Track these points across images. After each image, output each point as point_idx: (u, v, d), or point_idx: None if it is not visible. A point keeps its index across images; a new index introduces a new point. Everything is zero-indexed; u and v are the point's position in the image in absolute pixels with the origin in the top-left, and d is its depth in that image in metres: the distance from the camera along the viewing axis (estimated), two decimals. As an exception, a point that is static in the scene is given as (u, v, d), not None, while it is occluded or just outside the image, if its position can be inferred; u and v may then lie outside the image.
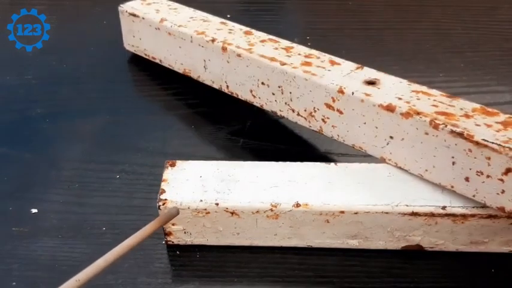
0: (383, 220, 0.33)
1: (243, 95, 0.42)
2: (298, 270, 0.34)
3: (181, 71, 0.47)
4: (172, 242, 0.35)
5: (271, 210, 0.33)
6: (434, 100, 0.34)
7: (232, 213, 0.33)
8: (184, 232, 0.34)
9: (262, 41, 0.41)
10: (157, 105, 0.48)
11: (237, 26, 0.44)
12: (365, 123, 0.35)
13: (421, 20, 0.60)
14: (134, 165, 0.41)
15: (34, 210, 0.38)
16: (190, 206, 0.33)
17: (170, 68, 0.48)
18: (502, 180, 0.30)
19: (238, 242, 0.35)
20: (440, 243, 0.34)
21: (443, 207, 0.32)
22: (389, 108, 0.33)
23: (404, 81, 0.36)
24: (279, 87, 0.39)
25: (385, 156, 0.35)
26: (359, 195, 0.33)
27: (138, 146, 0.43)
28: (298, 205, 0.33)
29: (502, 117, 0.32)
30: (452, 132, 0.31)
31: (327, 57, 0.39)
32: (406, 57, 0.53)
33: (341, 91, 0.35)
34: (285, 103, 0.39)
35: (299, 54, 0.39)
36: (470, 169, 0.31)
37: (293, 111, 0.39)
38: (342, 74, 0.37)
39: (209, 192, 0.33)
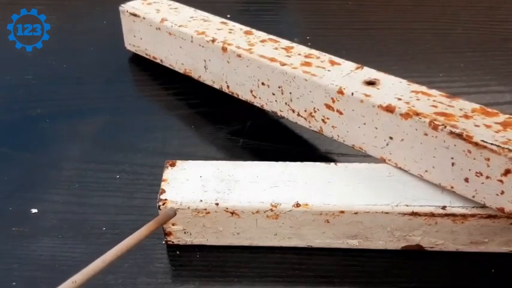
0: (383, 220, 0.33)
1: (243, 95, 0.42)
2: (298, 270, 0.34)
3: (181, 71, 0.47)
4: (172, 242, 0.35)
5: (271, 210, 0.33)
6: (434, 100, 0.34)
7: (232, 213, 0.33)
8: (184, 232, 0.34)
9: (263, 41, 0.41)
10: (158, 105, 0.48)
11: (237, 26, 0.44)
12: (365, 123, 0.35)
13: (421, 20, 0.60)
14: (134, 165, 0.41)
15: (34, 210, 0.38)
16: (190, 206, 0.33)
17: (171, 68, 0.48)
18: (501, 181, 0.30)
19: (238, 242, 0.35)
20: (440, 243, 0.34)
21: (443, 207, 0.32)
22: (389, 109, 0.33)
23: (404, 81, 0.36)
24: (279, 87, 0.39)
25: (385, 156, 0.35)
26: (359, 195, 0.33)
27: (138, 146, 0.43)
28: (298, 205, 0.33)
29: (502, 117, 0.32)
30: (451, 133, 0.31)
31: (327, 57, 0.39)
32: (406, 57, 0.53)
33: (341, 92, 0.35)
34: (285, 103, 0.39)
35: (299, 54, 0.39)
36: (469, 170, 0.31)
37: (293, 111, 0.39)
38: (342, 74, 0.37)
39: (209, 192, 0.33)
